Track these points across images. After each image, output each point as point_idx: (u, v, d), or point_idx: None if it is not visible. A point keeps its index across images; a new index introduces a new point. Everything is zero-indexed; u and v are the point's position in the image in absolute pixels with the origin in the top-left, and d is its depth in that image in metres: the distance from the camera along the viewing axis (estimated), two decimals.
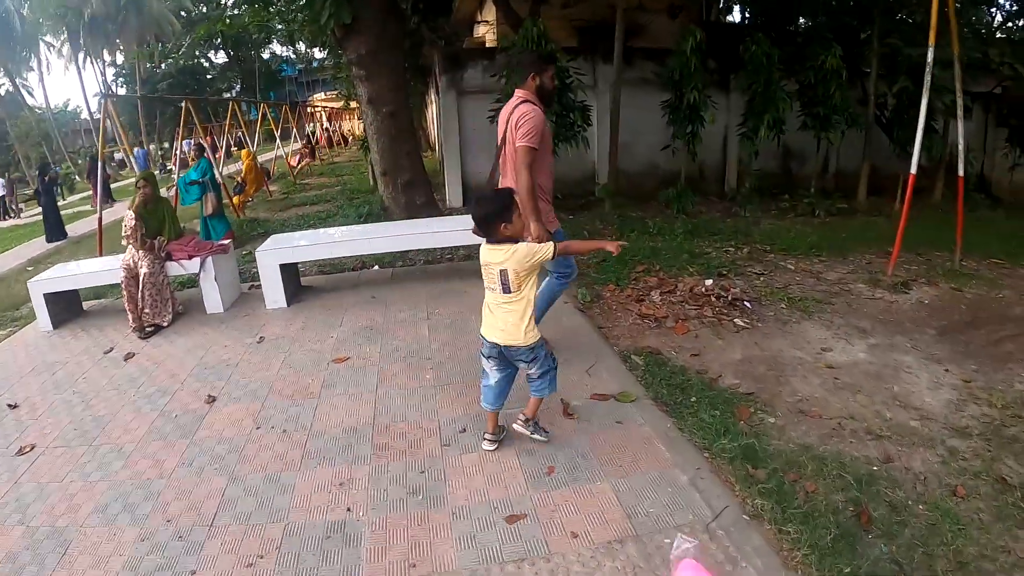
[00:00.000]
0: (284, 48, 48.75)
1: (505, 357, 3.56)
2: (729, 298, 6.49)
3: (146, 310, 6.58)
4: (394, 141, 9.90)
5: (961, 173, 7.79)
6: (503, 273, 3.32)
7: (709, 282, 6.87)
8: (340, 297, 7.22)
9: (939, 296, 7.26)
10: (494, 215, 3.28)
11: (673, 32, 11.47)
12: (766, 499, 3.55)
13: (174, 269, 6.89)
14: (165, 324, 6.69)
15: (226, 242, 7.45)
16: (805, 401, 4.76)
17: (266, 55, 53.52)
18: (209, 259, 6.90)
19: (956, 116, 7.22)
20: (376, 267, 8.34)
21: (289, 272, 7.13)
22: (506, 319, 3.41)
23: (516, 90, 4.20)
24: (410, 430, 4.33)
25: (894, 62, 10.70)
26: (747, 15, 13.89)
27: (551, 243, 3.39)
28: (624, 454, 3.90)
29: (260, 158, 18.82)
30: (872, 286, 7.34)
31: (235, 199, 13.63)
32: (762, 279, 7.39)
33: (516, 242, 3.34)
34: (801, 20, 12.06)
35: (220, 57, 53.91)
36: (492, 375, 3.68)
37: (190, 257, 6.92)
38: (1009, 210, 11.06)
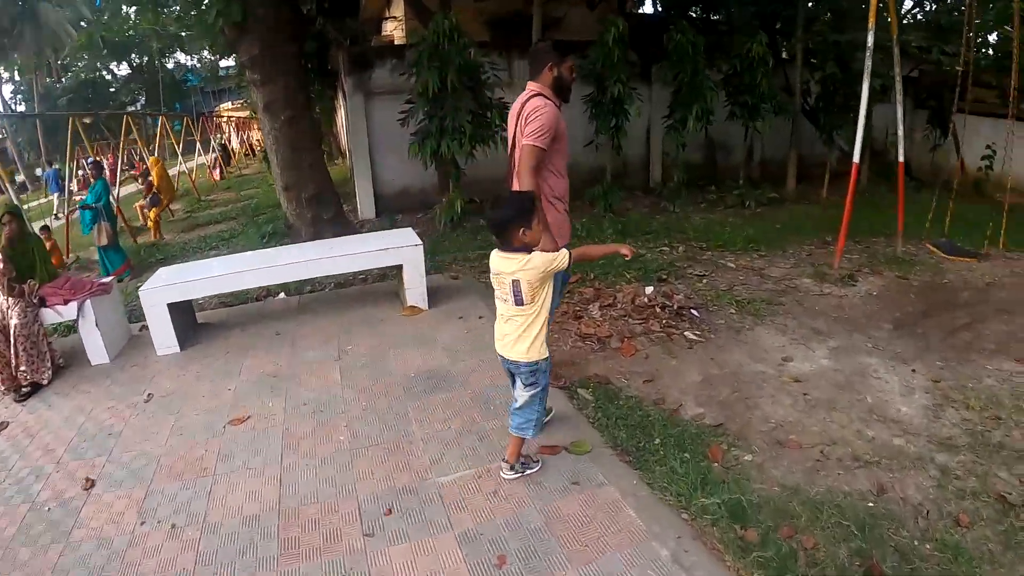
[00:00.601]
0: (188, 57, 46.32)
1: (511, 374, 3.36)
2: (675, 307, 5.92)
3: (21, 367, 5.46)
4: (295, 151, 8.94)
5: (901, 159, 7.60)
6: (515, 284, 3.08)
7: (650, 290, 6.27)
8: (241, 335, 6.27)
9: (886, 286, 6.96)
10: (513, 219, 3.02)
11: (592, 23, 10.92)
12: (764, 570, 2.89)
13: (50, 316, 5.79)
14: (45, 382, 5.59)
15: (107, 280, 6.37)
16: (780, 428, 4.18)
17: (171, 64, 50.73)
18: (88, 302, 5.83)
19: (888, 100, 6.89)
20: (282, 295, 7.40)
21: (181, 311, 6.15)
22: (511, 332, 3.20)
23: (529, 83, 3.81)
24: (324, 516, 3.50)
25: (819, 49, 10.58)
26: (659, 7, 13.48)
27: (566, 251, 3.12)
28: (589, 529, 3.19)
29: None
30: (819, 280, 6.93)
31: (151, 213, 12.35)
32: (704, 281, 6.85)
33: (530, 251, 3.07)
34: (725, 10, 11.68)
35: (124, 69, 50.77)
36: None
37: (66, 302, 5.82)
38: (933, 191, 10.94)
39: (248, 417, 4.64)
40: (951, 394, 4.82)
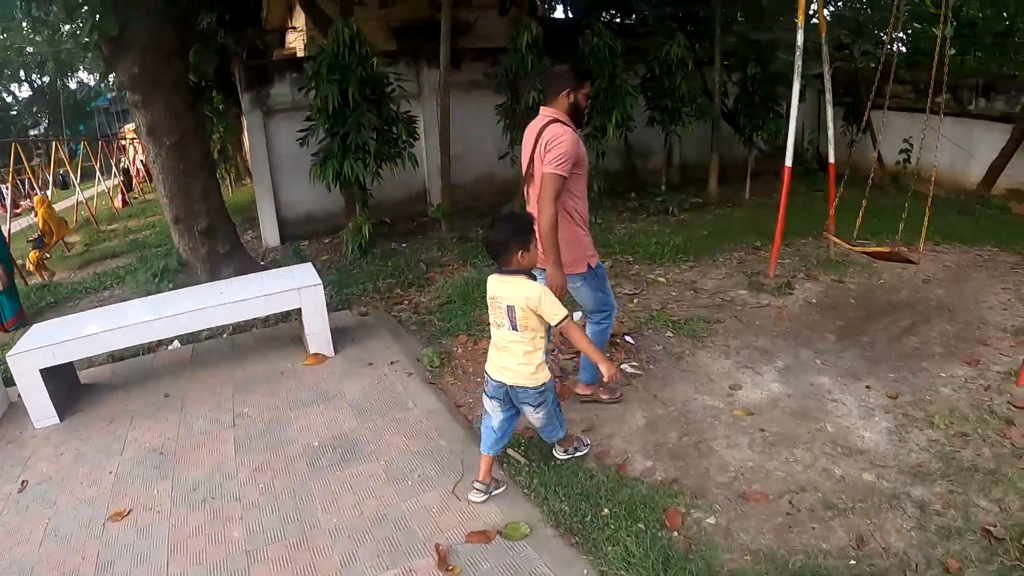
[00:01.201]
0: (91, 75, 43.61)
1: (510, 398, 3.25)
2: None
3: None
4: (184, 179, 8.01)
5: (832, 159, 7.40)
6: (511, 310, 3.04)
7: (577, 315, 5.69)
8: (127, 398, 5.39)
9: (824, 292, 6.68)
10: (511, 240, 3.00)
11: (504, 29, 10.38)
12: None
13: None
14: None
15: None
16: (741, 476, 3.68)
17: (74, 84, 47.66)
18: None
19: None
20: (176, 343, 6.52)
21: (59, 374, 5.24)
22: (513, 358, 3.12)
23: (543, 108, 3.77)
24: None
25: (738, 51, 10.40)
26: (570, 13, 13.11)
27: (564, 312, 3.03)
28: None
29: (57, 206, 15.85)
30: (755, 291, 6.56)
31: (32, 256, 11.09)
32: (636, 300, 6.35)
33: (530, 275, 3.06)
34: (641, 12, 11.41)
35: (25, 91, 47.36)
36: (495, 416, 3.33)
37: None
38: (852, 187, 10.85)
39: (129, 511, 3.82)
40: (911, 411, 4.52)
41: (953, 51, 10.94)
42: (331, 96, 7.57)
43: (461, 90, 9.85)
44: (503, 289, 3.06)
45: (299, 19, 14.69)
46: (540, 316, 3.02)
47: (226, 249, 8.37)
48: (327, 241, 9.62)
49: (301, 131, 8.15)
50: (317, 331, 5.50)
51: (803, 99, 12.01)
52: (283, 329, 6.42)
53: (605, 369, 3.15)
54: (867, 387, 4.81)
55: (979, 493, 3.64)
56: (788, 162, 6.55)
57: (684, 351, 5.25)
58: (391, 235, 9.03)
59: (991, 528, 3.36)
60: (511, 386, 3.19)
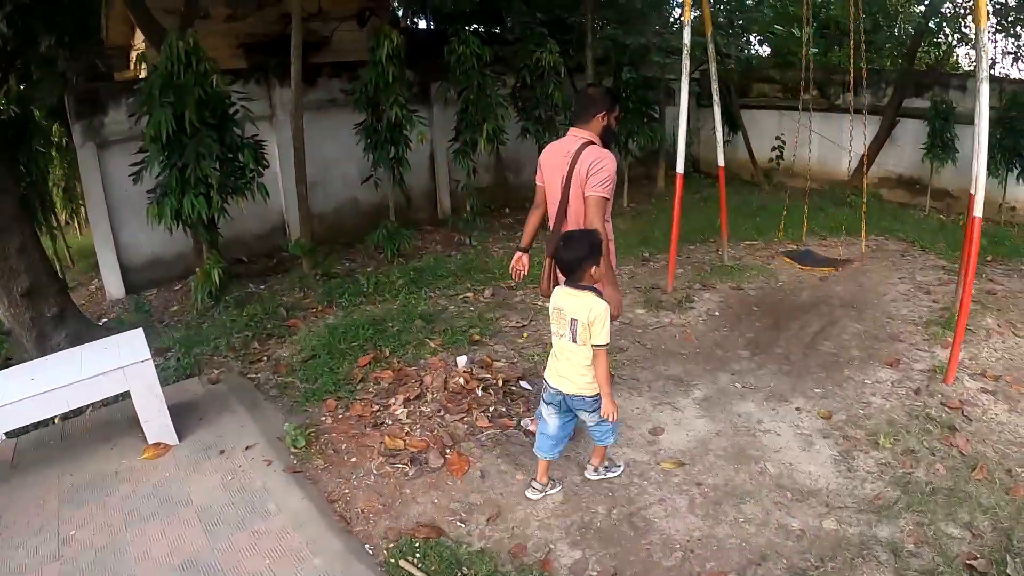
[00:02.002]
0: None
1: (567, 404, 3.34)
2: (499, 383, 4.64)
3: None
4: None
5: (721, 163, 7.03)
6: (573, 323, 3.13)
7: (463, 361, 4.97)
8: None
9: (725, 302, 6.32)
10: (587, 258, 3.14)
11: (363, 42, 9.51)
12: None
13: None
14: None
15: None
16: (691, 555, 3.10)
17: None
18: None
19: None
20: (2, 436, 5.15)
21: None
22: (572, 368, 3.21)
23: (573, 129, 3.81)
24: None
25: (610, 57, 10.13)
26: (432, 23, 12.45)
27: (607, 341, 3.14)
28: None
29: None
30: (654, 309, 6.11)
31: None
32: (526, 334, 5.67)
33: (596, 291, 3.17)
34: (508, 20, 10.99)
35: None
36: (551, 422, 3.42)
37: None
38: (728, 187, 10.84)
39: None
40: (849, 431, 4.17)
41: (816, 50, 11.26)
42: (165, 122, 6.42)
43: (318, 109, 8.94)
44: (570, 302, 3.17)
45: (141, 36, 13.14)
46: (591, 332, 3.11)
47: (54, 311, 6.95)
48: (178, 288, 8.34)
49: (134, 164, 6.94)
50: (153, 417, 4.41)
51: (675, 102, 12.06)
52: (121, 409, 5.20)
53: (607, 404, 3.22)
54: (797, 409, 4.42)
55: (947, 519, 3.36)
56: (679, 168, 6.22)
57: None
58: (248, 275, 7.93)
59: (972, 563, 3.07)
60: (568, 394, 3.29)
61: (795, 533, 3.21)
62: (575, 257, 3.14)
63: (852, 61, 6.62)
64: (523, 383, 4.70)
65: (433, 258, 8.07)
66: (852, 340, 5.42)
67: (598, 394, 3.23)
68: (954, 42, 11.15)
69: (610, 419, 3.23)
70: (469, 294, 6.70)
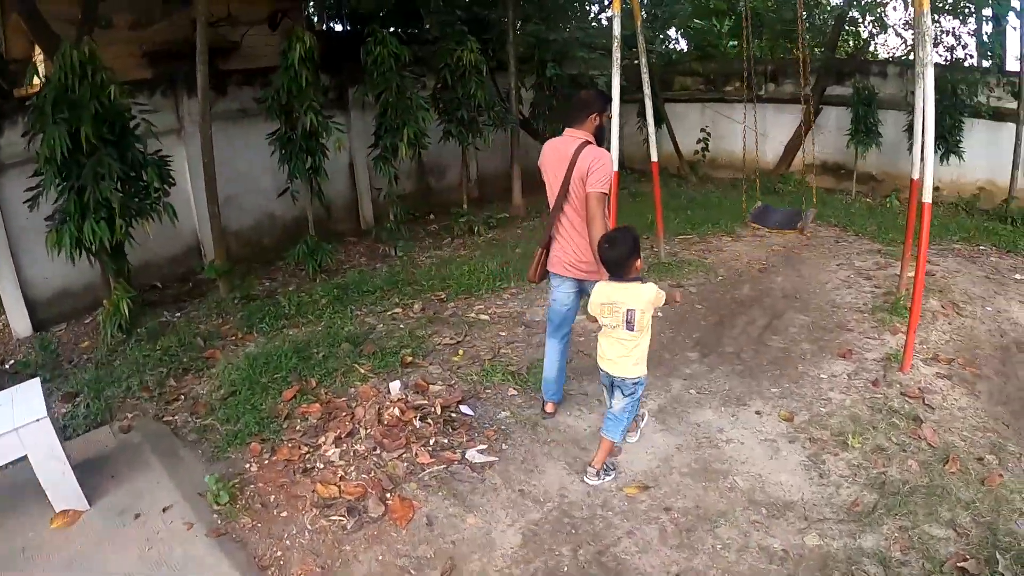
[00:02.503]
0: None
1: (613, 387, 3.60)
2: (436, 409, 4.25)
3: None
4: None
5: (654, 158, 6.82)
6: (630, 312, 3.36)
7: (396, 387, 4.58)
8: None
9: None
10: (632, 253, 3.37)
11: (276, 46, 8.96)
12: None
13: None
14: None
15: None
16: None
17: None
18: None
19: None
20: None
21: None
22: (622, 353, 3.46)
23: (569, 130, 3.94)
24: None
25: (534, 55, 9.86)
26: (347, 24, 11.94)
27: (661, 290, 3.48)
28: None
29: None
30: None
31: None
32: (461, 351, 5.30)
33: (642, 280, 3.43)
34: (425, 19, 10.60)
35: None
36: (607, 398, 3.72)
37: None
38: (648, 180, 10.81)
39: None
40: (815, 432, 4.01)
41: (735, 42, 11.49)
42: (59, 140, 5.76)
43: (229, 120, 8.30)
44: (622, 295, 3.38)
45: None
46: (651, 310, 3.41)
47: None
48: (88, 321, 7.57)
49: (30, 189, 6.24)
50: (57, 482, 3.82)
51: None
52: (26, 468, 4.57)
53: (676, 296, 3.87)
54: (757, 413, 4.23)
55: (929, 519, 3.24)
56: (615, 166, 5.93)
57: (536, 413, 4.29)
58: (162, 302, 7.24)
59: (963, 565, 2.94)
60: (616, 376, 3.51)
61: (778, 555, 2.98)
62: (623, 254, 3.36)
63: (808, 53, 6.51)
64: (464, 408, 4.33)
65: (358, 272, 7.61)
66: (801, 333, 5.31)
67: (638, 377, 3.51)
68: (875, 30, 11.39)
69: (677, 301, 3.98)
70: (398, 310, 6.27)
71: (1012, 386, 4.57)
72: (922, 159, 4.48)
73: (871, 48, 12.16)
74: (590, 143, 3.86)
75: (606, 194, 3.78)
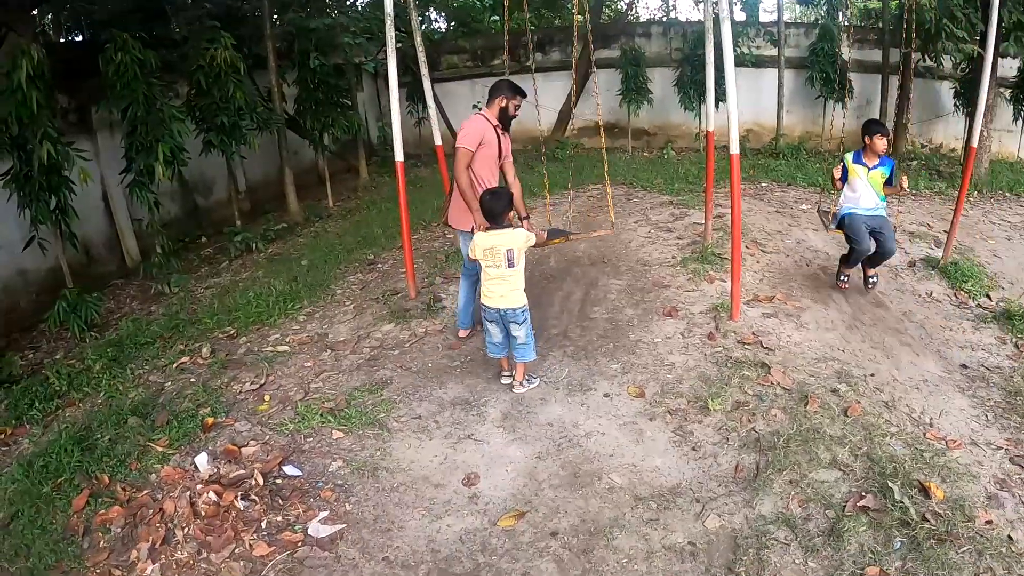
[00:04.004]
0: None
1: (503, 320, 4.15)
2: (258, 479, 3.54)
3: None
4: None
5: (438, 141, 6.43)
6: (509, 251, 4.03)
7: (203, 461, 3.79)
8: None
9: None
10: (508, 205, 4.11)
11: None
12: None
13: None
14: None
15: None
16: None
17: None
18: None
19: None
20: None
21: None
22: (506, 288, 4.09)
23: (485, 110, 4.71)
24: None
25: (292, 46, 9.19)
26: (84, 33, 10.28)
27: (532, 237, 4.19)
28: None
29: None
30: (403, 321, 5.35)
31: None
32: (267, 396, 4.55)
33: (512, 227, 4.10)
34: (170, 17, 9.33)
35: None
36: (496, 335, 4.23)
37: None
38: (431, 165, 10.51)
39: None
40: (671, 403, 3.86)
41: (496, 17, 11.85)
42: None
43: None
44: (500, 239, 4.03)
45: None
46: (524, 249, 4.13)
47: None
48: None
49: None
50: None
51: (362, 88, 11.33)
52: None
53: (531, 228, 4.50)
54: (606, 395, 4.03)
55: (813, 465, 3.19)
56: (399, 156, 5.64)
57: (372, 455, 3.71)
58: None
59: (863, 504, 2.88)
60: (504, 310, 4.10)
61: (686, 550, 2.75)
62: (501, 206, 4.08)
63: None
64: (288, 468, 3.63)
65: (131, 322, 6.39)
66: (620, 298, 5.19)
67: (523, 306, 4.13)
68: None
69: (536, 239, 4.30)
70: (184, 359, 5.28)
71: (833, 310, 4.76)
72: (716, 110, 5.12)
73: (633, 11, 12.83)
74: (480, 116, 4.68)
75: (461, 148, 4.54)
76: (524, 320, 4.15)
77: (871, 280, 5.05)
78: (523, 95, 4.85)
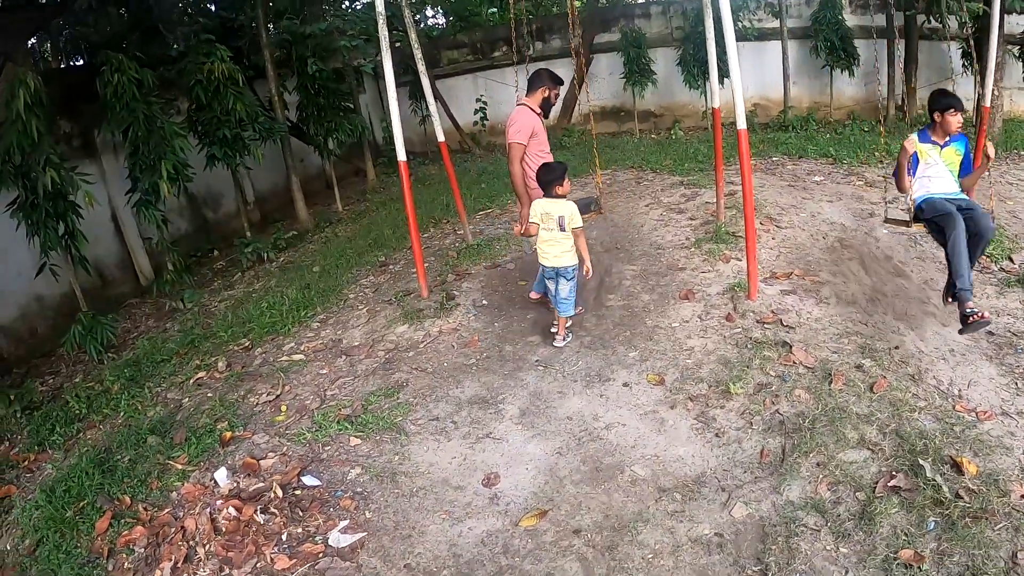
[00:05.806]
0: None
1: (557, 277, 4.58)
2: (277, 492, 3.54)
3: None
4: None
5: (441, 139, 6.54)
6: (561, 218, 4.44)
7: (223, 476, 3.80)
8: None
9: (487, 285, 5.66)
10: (562, 175, 4.49)
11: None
12: None
13: None
14: None
15: None
16: None
17: None
18: None
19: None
20: None
21: None
22: (559, 249, 4.50)
23: (526, 99, 4.94)
24: None
25: (289, 53, 9.15)
26: (79, 56, 10.36)
27: (581, 223, 4.52)
28: None
29: None
30: (417, 321, 5.30)
31: None
32: (284, 407, 4.55)
33: (564, 198, 4.53)
34: (166, 33, 9.37)
35: None
36: (552, 288, 4.67)
37: None
38: (437, 161, 10.45)
39: None
40: (692, 389, 3.78)
41: (495, 10, 11.84)
42: None
43: None
44: (554, 207, 4.47)
45: None
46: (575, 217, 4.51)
47: None
48: None
49: None
50: None
51: (363, 89, 11.29)
52: None
53: (588, 264, 4.53)
54: (625, 385, 3.95)
55: (840, 445, 3.11)
56: (401, 156, 5.52)
57: (390, 460, 3.68)
58: None
59: (894, 484, 2.81)
60: (557, 268, 4.54)
61: (713, 542, 2.68)
62: (555, 177, 4.49)
63: None
64: (307, 478, 3.62)
65: (147, 340, 6.44)
66: (635, 284, 5.11)
67: (574, 265, 4.54)
68: None
69: (588, 275, 4.57)
70: (201, 374, 5.30)
71: (853, 283, 4.65)
72: (721, 87, 4.95)
73: None
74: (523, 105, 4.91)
75: (514, 144, 4.78)
76: (572, 277, 4.62)
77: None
78: (562, 83, 5.10)
